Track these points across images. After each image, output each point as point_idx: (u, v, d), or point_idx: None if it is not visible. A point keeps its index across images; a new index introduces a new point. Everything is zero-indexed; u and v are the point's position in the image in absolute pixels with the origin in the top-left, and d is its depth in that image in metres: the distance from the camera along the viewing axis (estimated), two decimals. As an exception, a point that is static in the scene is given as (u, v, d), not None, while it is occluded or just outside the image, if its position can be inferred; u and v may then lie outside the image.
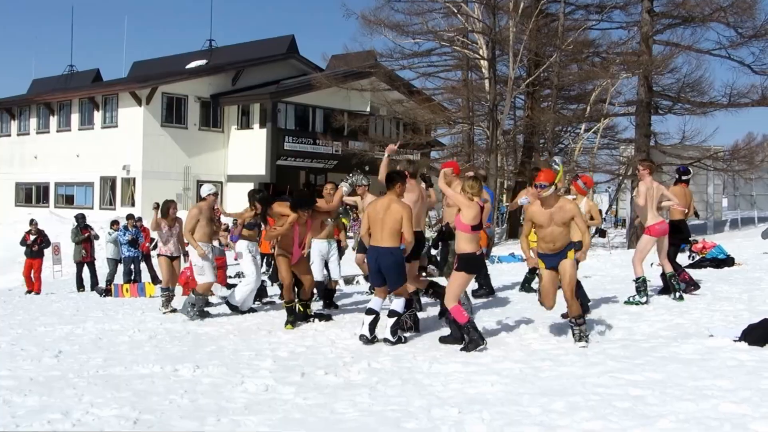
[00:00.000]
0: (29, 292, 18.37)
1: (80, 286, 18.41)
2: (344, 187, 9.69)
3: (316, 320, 9.63)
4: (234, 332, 9.26)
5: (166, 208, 11.82)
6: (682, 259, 14.46)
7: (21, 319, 11.44)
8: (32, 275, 18.92)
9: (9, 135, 43.93)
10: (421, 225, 9.05)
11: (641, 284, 9.96)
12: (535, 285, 10.81)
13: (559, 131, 31.43)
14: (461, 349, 7.55)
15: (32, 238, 18.98)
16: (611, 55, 29.58)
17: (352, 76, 34.55)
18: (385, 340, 8.02)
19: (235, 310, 10.63)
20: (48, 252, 20.73)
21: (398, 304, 8.11)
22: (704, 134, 31.53)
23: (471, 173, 8.71)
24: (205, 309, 10.81)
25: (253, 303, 11.15)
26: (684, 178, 11.44)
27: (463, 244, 7.70)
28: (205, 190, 11.40)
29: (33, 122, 42.43)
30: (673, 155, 27.81)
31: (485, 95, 29.71)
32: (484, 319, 9.21)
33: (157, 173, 35.74)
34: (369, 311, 8.23)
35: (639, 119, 28.05)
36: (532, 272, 11.37)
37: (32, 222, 19.54)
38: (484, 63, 29.85)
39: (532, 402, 5.61)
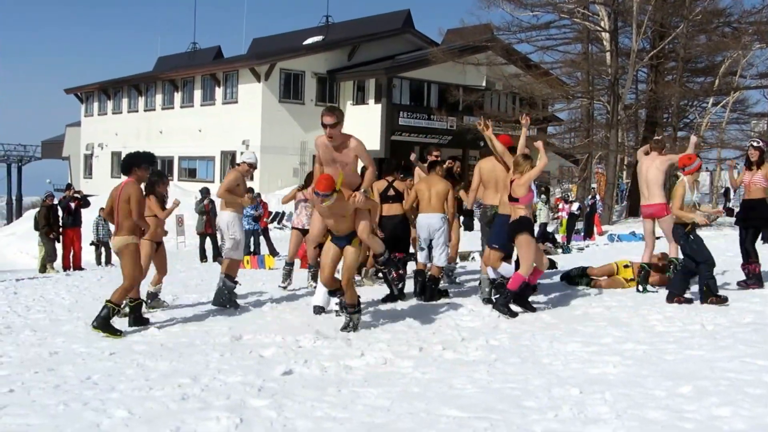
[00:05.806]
0: (67, 269, 17.26)
1: (203, 256, 19.03)
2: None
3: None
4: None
5: (310, 179, 10.64)
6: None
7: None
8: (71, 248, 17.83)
9: (136, 111, 45.88)
10: None
11: None
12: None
13: (685, 105, 30.20)
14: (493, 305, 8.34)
15: (72, 206, 17.68)
16: (743, 25, 28.05)
17: (468, 51, 34.19)
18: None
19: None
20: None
21: None
22: None
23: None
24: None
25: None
26: None
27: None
28: (243, 157, 10.38)
29: (159, 98, 44.15)
30: (810, 130, 26.24)
31: (606, 69, 28.83)
32: (606, 299, 8.99)
33: (275, 148, 36.54)
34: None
35: (772, 92, 26.64)
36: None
37: (69, 186, 18.38)
38: (605, 35, 28.94)
39: (656, 385, 5.43)
